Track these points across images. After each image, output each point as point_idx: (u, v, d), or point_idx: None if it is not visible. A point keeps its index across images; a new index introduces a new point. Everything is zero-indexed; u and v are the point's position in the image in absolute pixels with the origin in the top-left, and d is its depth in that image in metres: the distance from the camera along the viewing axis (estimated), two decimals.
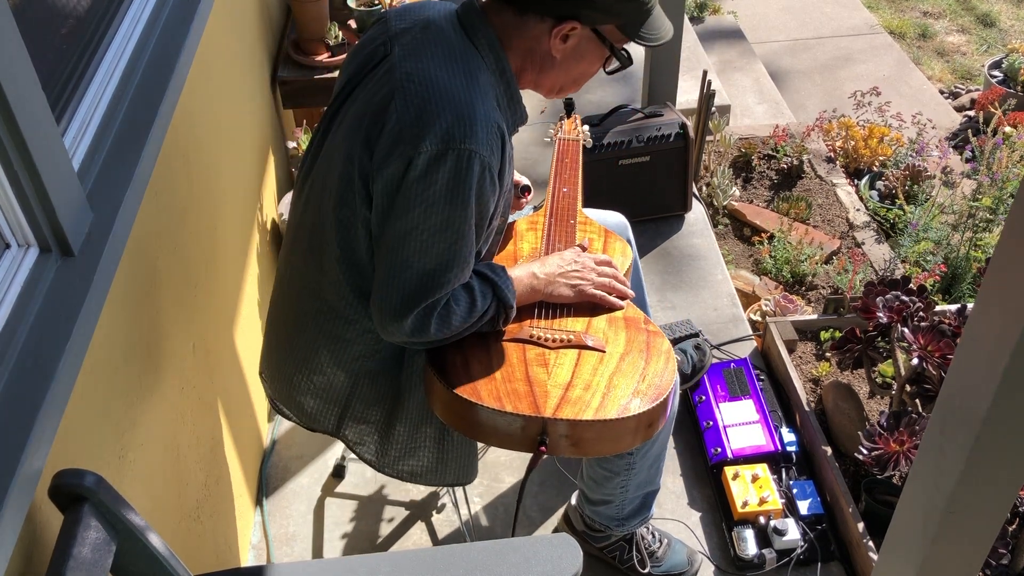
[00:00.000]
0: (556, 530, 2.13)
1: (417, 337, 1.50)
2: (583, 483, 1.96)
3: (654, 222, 3.08)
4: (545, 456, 1.51)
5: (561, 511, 2.14)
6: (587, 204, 2.04)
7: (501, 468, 2.31)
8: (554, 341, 1.62)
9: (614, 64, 1.61)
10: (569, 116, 2.23)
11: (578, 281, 1.69)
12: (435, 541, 2.17)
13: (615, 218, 2.10)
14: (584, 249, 1.79)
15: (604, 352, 1.61)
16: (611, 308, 1.71)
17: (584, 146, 2.15)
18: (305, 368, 1.67)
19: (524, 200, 1.98)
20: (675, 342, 2.62)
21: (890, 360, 2.37)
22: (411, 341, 1.52)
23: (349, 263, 1.55)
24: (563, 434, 1.50)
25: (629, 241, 2.07)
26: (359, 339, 1.61)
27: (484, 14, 1.52)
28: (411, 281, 1.45)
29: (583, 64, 1.57)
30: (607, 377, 1.56)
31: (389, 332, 1.50)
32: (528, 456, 1.56)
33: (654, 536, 2.03)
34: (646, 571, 2.00)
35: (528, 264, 1.70)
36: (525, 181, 1.97)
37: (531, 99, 3.72)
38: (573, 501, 2.05)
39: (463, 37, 1.51)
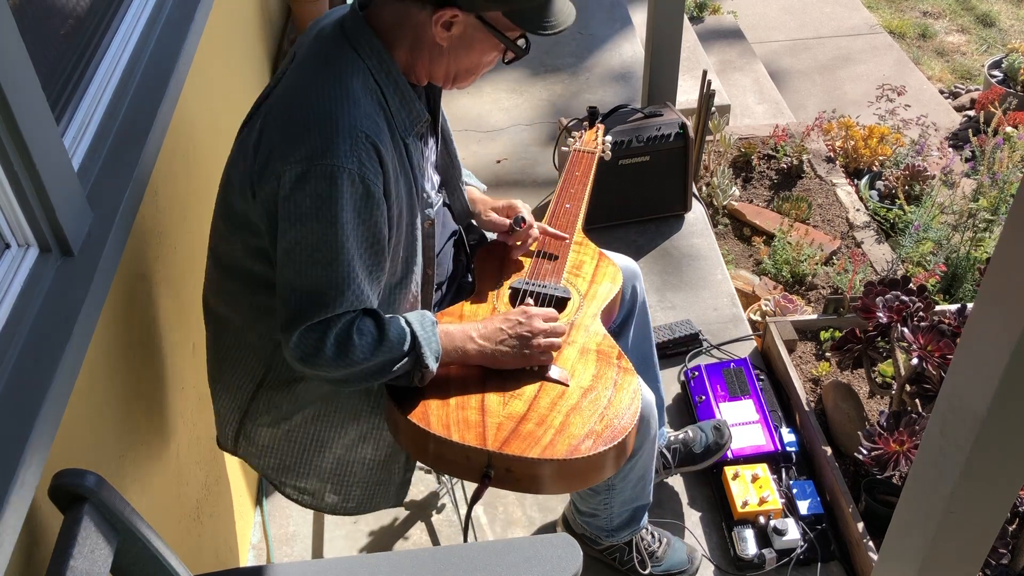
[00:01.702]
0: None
1: (309, 361, 1.41)
2: (572, 493, 1.96)
3: (654, 222, 3.08)
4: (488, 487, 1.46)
5: (561, 511, 2.14)
6: (587, 206, 1.98)
7: None
8: (518, 369, 1.56)
9: (511, 56, 1.52)
10: (592, 126, 2.14)
11: (523, 351, 1.55)
12: (435, 541, 2.16)
13: (624, 262, 1.97)
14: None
15: (567, 386, 1.54)
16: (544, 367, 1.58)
17: (603, 159, 2.06)
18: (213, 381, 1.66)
19: (520, 230, 1.80)
20: (675, 343, 2.63)
21: (890, 360, 2.37)
22: (302, 365, 1.42)
23: (241, 274, 1.53)
24: (507, 468, 1.44)
25: (636, 289, 1.97)
26: (260, 345, 1.57)
27: (365, 16, 1.46)
28: (293, 301, 1.40)
29: (474, 55, 1.49)
30: (564, 413, 1.49)
31: (287, 358, 1.43)
32: None
33: (653, 536, 2.03)
34: (647, 572, 2.00)
35: (467, 326, 1.57)
36: (523, 212, 1.82)
37: (532, 98, 3.73)
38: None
39: (343, 44, 1.45)
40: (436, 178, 1.69)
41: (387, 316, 1.48)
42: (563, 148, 2.11)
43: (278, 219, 1.40)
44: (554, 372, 1.56)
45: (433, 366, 1.48)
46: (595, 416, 1.49)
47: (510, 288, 1.74)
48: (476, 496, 1.48)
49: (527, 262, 1.81)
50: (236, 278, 1.55)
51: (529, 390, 1.53)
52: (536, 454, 1.43)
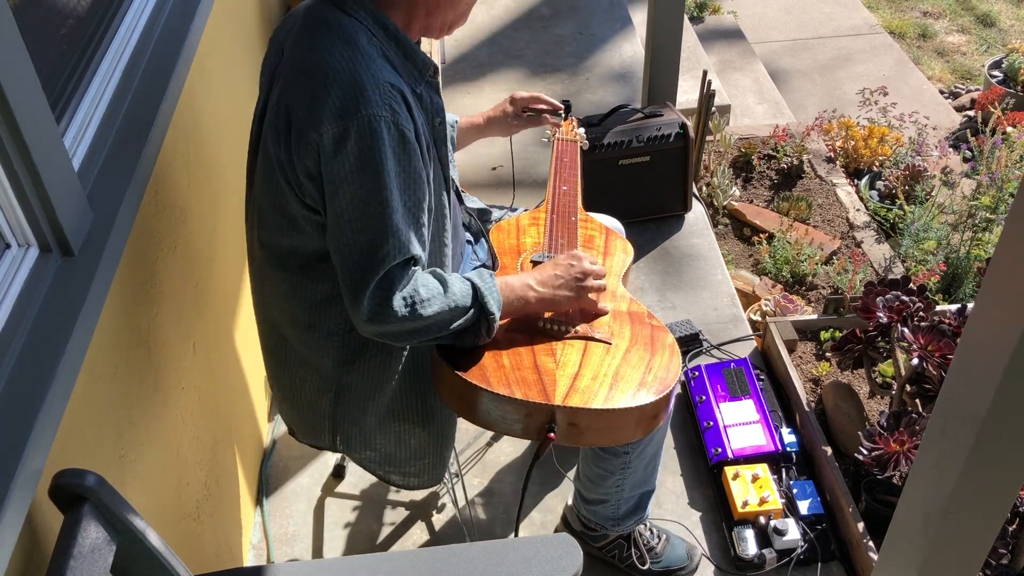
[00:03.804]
0: (556, 530, 2.13)
1: (381, 322, 1.44)
2: (579, 483, 1.96)
3: (654, 222, 3.08)
4: (552, 443, 1.52)
5: (560, 512, 2.14)
6: (585, 204, 2.04)
7: (501, 468, 2.32)
8: (562, 331, 1.63)
9: None
10: (566, 118, 2.24)
11: (578, 291, 1.64)
12: (435, 541, 2.17)
13: (609, 222, 2.11)
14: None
15: (610, 344, 1.62)
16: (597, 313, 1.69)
17: (581, 148, 2.15)
18: (295, 382, 1.68)
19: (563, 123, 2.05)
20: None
21: (890, 360, 2.37)
22: (380, 330, 1.46)
23: (296, 267, 1.55)
24: (571, 422, 1.51)
25: None
26: (327, 342, 1.61)
27: None
28: (353, 263, 1.43)
29: None
30: (614, 368, 1.57)
31: (357, 324, 1.47)
32: (518, 446, 1.54)
33: (652, 532, 2.04)
34: (645, 567, 2.01)
35: (524, 275, 1.64)
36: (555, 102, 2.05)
37: None
38: (570, 501, 2.05)
39: (335, 11, 1.48)
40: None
41: (447, 273, 1.53)
42: (543, 140, 2.23)
43: (324, 185, 1.42)
44: (598, 333, 1.63)
45: (497, 313, 1.54)
46: (642, 368, 1.58)
47: (531, 261, 1.80)
48: (539, 454, 1.54)
49: (542, 237, 1.87)
50: (296, 273, 1.57)
51: (577, 350, 1.60)
52: (598, 405, 1.50)
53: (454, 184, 1.78)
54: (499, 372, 1.54)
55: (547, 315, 1.67)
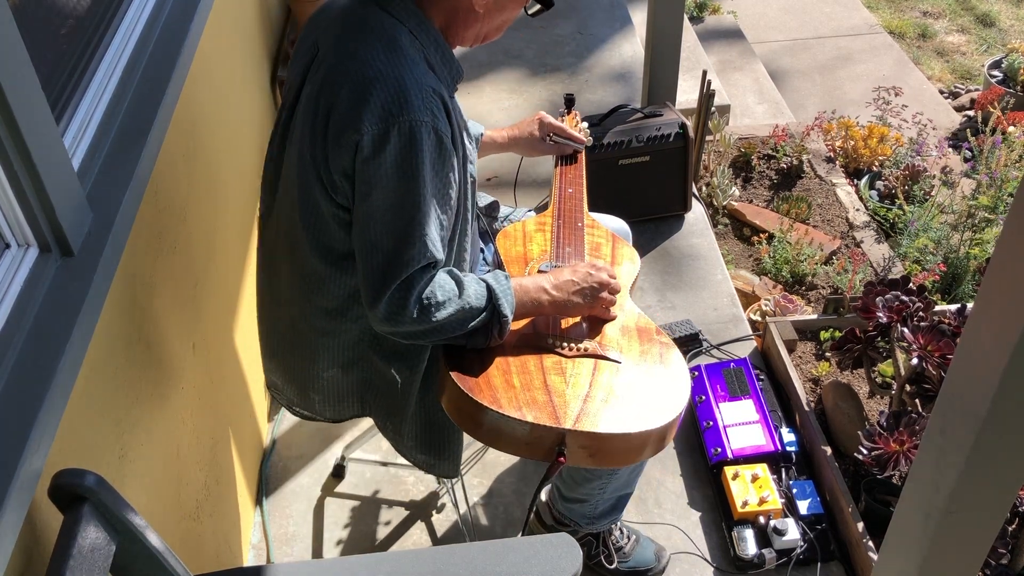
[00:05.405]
0: (525, 523, 2.12)
1: (395, 323, 1.46)
2: (560, 479, 1.95)
3: (654, 222, 3.08)
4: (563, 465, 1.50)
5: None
6: (589, 204, 2.03)
7: (501, 469, 2.31)
8: (571, 349, 1.60)
9: (536, 7, 1.63)
10: (569, 112, 2.21)
11: (592, 300, 1.64)
12: (435, 541, 2.17)
13: (616, 223, 2.09)
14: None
15: (620, 363, 1.59)
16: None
17: (585, 144, 2.14)
18: (310, 372, 1.68)
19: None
20: (675, 343, 2.62)
21: (890, 360, 2.37)
22: (393, 330, 1.48)
23: (327, 261, 1.56)
24: (582, 445, 1.49)
25: None
26: (350, 328, 1.62)
27: None
28: (377, 264, 1.44)
29: (506, 12, 1.58)
30: (624, 388, 1.55)
31: (372, 321, 1.49)
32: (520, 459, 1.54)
33: (622, 532, 2.04)
34: (613, 567, 2.00)
35: (539, 278, 1.64)
36: (549, 119, 2.07)
37: (532, 98, 3.73)
38: (543, 497, 2.05)
39: (377, 10, 1.49)
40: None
41: (463, 274, 1.53)
42: (546, 138, 2.21)
43: (356, 188, 1.43)
44: (610, 353, 1.61)
45: (510, 316, 1.54)
46: (653, 389, 1.56)
47: (539, 271, 1.78)
48: (548, 475, 1.52)
49: (548, 245, 1.85)
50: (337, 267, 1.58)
51: (587, 369, 1.57)
52: (610, 429, 1.48)
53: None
54: (509, 393, 1.51)
55: (558, 330, 1.65)
